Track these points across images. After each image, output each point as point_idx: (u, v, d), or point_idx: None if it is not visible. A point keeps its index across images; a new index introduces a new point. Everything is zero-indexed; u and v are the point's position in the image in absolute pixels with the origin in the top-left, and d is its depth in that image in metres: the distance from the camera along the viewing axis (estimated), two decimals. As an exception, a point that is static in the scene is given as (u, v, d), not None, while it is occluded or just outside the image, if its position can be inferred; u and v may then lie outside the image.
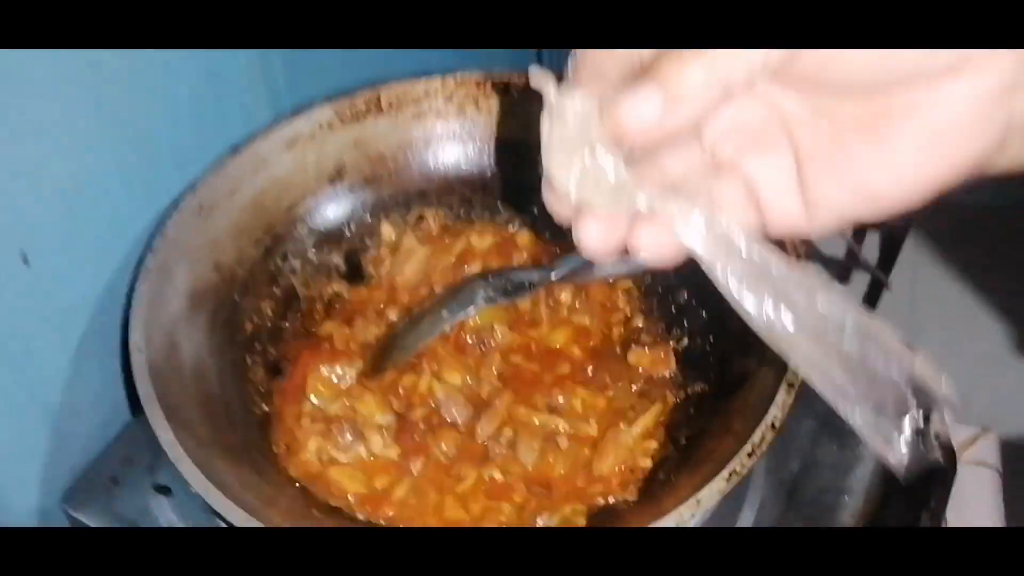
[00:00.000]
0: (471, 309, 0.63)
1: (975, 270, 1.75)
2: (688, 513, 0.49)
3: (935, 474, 0.69)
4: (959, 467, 0.70)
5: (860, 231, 1.50)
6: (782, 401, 0.53)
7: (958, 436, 0.81)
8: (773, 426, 0.53)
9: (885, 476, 0.65)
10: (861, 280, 1.41)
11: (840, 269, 1.58)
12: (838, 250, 1.67)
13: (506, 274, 0.64)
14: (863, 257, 1.50)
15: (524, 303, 0.69)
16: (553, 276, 0.63)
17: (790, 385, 0.54)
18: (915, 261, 1.72)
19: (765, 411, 0.53)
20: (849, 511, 0.62)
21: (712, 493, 0.50)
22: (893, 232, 1.35)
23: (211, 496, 0.50)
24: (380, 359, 0.64)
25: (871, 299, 1.37)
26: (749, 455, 0.51)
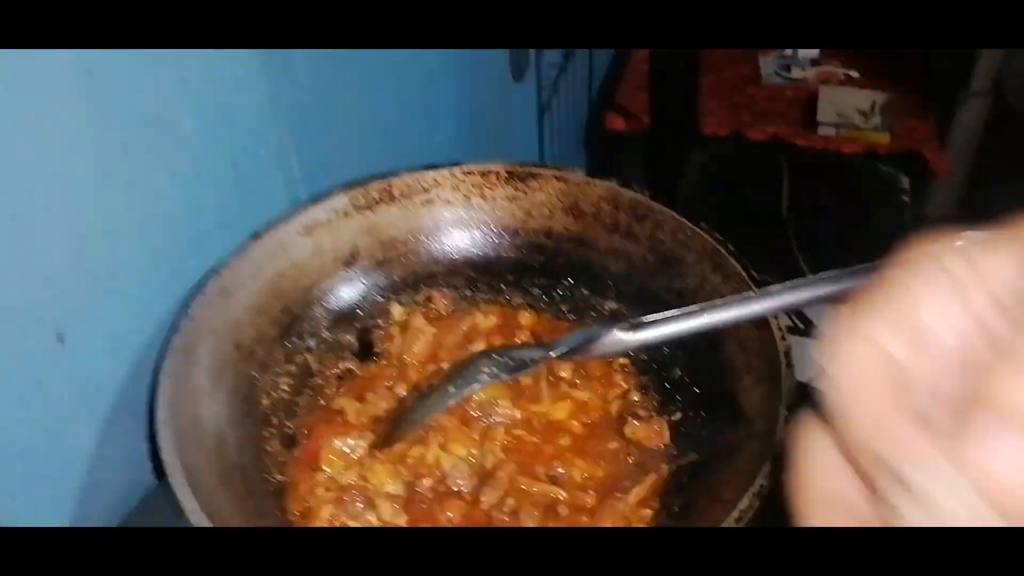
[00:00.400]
0: (476, 385, 0.66)
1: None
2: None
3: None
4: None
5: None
6: (768, 471, 0.57)
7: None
8: (759, 494, 0.56)
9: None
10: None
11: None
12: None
13: (509, 352, 0.68)
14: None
15: (526, 379, 0.73)
16: (553, 354, 0.67)
17: (776, 456, 0.57)
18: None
19: (752, 480, 0.56)
20: None
21: (702, 557, 0.53)
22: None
23: (230, 560, 0.53)
24: (390, 432, 0.67)
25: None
26: (736, 521, 0.54)
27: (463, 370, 0.67)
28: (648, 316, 0.64)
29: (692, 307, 0.64)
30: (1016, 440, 0.20)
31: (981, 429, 0.21)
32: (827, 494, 0.24)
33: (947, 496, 0.21)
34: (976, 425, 0.21)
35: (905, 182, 1.59)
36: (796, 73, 1.88)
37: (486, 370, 0.66)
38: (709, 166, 1.66)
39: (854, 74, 1.86)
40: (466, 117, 1.27)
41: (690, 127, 1.68)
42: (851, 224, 1.52)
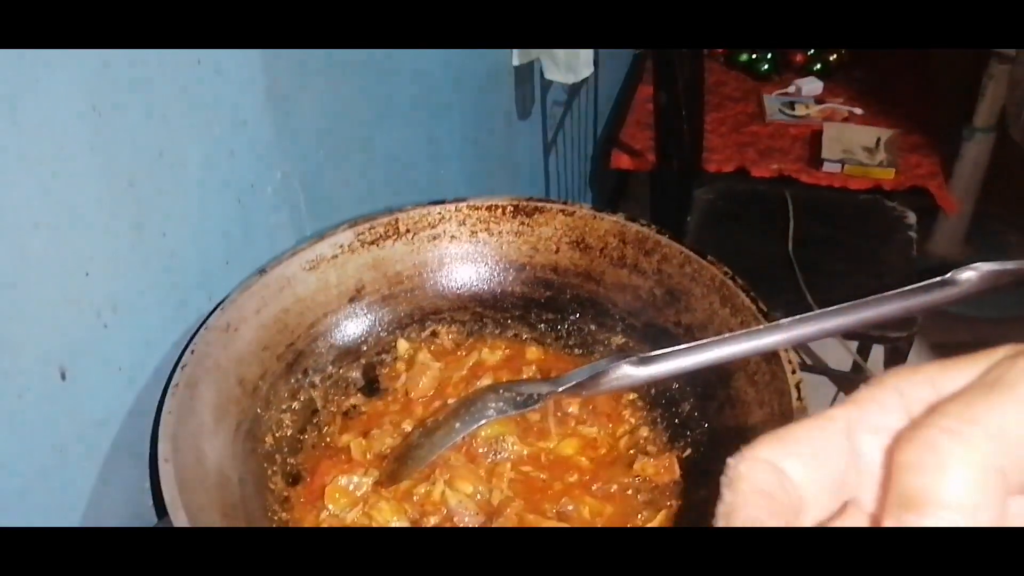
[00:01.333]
0: (483, 420, 0.65)
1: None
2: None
3: None
4: None
5: (865, 344, 1.53)
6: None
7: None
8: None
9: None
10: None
11: (845, 381, 1.61)
12: (844, 363, 1.70)
13: (516, 387, 0.67)
14: (868, 369, 1.52)
15: (533, 415, 0.72)
16: (561, 389, 0.66)
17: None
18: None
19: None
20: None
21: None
22: (898, 344, 1.38)
23: (232, 599, 0.52)
24: (396, 469, 0.67)
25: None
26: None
27: (469, 405, 0.66)
28: (657, 351, 0.63)
29: (701, 341, 0.64)
30: None
31: None
32: None
33: None
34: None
35: (912, 217, 1.58)
36: (800, 110, 1.89)
37: (493, 405, 0.65)
38: (715, 203, 1.66)
39: (858, 111, 1.87)
40: (471, 155, 1.27)
41: (695, 165, 1.69)
42: (858, 260, 1.52)
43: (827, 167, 1.73)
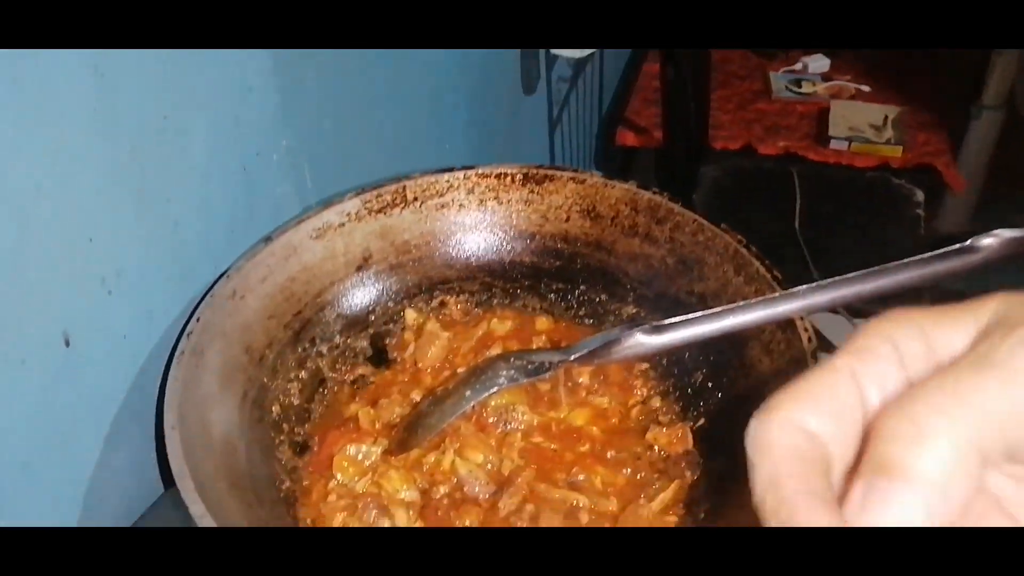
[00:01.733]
0: (493, 389, 0.64)
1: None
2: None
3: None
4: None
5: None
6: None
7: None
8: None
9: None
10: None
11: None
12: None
13: (527, 355, 0.66)
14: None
15: (544, 386, 0.71)
16: (572, 357, 0.65)
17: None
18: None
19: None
20: None
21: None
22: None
23: (241, 567, 0.51)
24: (405, 438, 0.66)
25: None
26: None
27: (480, 374, 0.65)
28: (670, 319, 0.62)
29: (715, 309, 0.63)
30: (894, 499, 0.23)
31: (865, 494, 0.24)
32: None
33: None
34: (860, 491, 0.24)
35: (919, 196, 1.57)
36: (807, 88, 1.87)
37: (504, 373, 0.64)
38: (721, 181, 1.65)
39: (865, 88, 1.85)
40: (476, 131, 1.26)
41: (701, 142, 1.67)
42: (865, 238, 1.51)
43: (834, 145, 1.72)
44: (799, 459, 0.25)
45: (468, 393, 0.65)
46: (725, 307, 0.64)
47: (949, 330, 0.26)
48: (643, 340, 0.62)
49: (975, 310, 0.26)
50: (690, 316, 0.62)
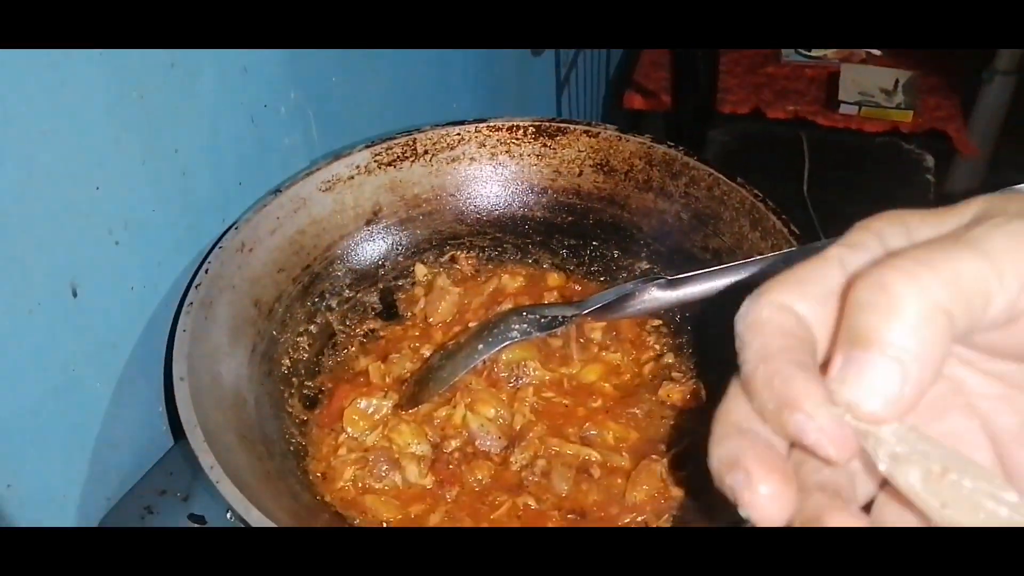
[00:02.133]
0: (506, 342, 0.64)
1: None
2: (725, 535, 0.49)
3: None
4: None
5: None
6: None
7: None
8: (807, 452, 0.53)
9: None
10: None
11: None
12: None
13: (539, 309, 0.65)
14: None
15: (556, 342, 0.70)
16: (585, 311, 0.64)
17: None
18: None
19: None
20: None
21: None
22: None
23: (251, 516, 0.51)
24: (416, 392, 0.65)
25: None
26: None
27: (492, 328, 0.65)
28: (686, 273, 0.62)
29: (732, 263, 0.62)
30: (870, 370, 0.24)
31: (843, 366, 0.25)
32: (736, 424, 0.27)
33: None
34: (839, 363, 0.25)
35: (929, 161, 1.55)
36: (816, 51, 1.85)
37: (516, 327, 0.64)
38: (729, 145, 1.63)
39: (876, 52, 1.83)
40: (483, 92, 1.24)
41: (709, 106, 1.65)
42: (874, 203, 1.47)
43: (844, 109, 1.69)
44: (788, 336, 0.26)
45: (480, 347, 0.64)
46: (742, 261, 0.63)
47: (933, 226, 0.26)
48: (658, 294, 0.62)
49: (959, 211, 0.26)
50: (706, 270, 0.61)
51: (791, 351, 0.25)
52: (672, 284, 0.61)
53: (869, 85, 1.72)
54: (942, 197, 1.62)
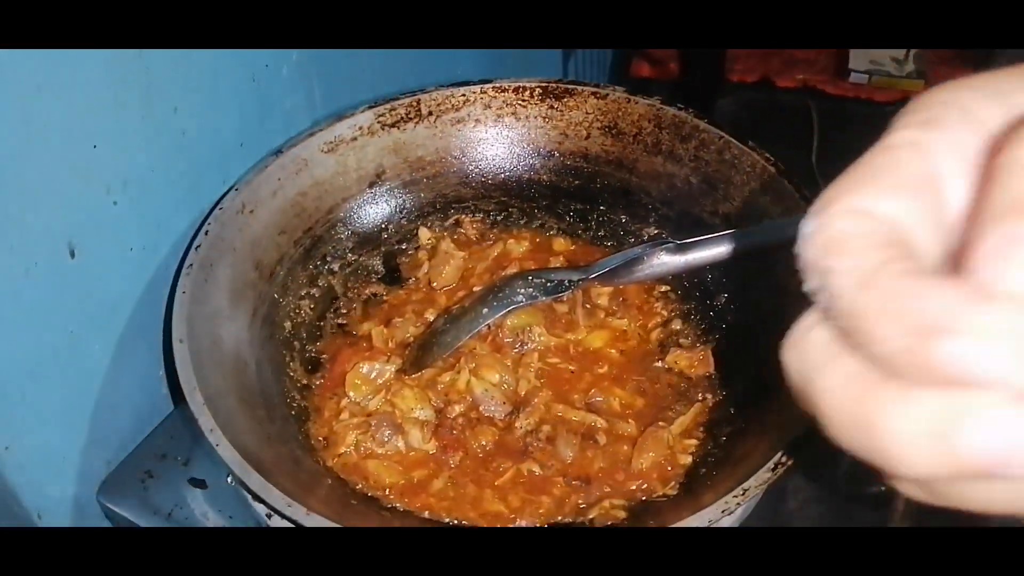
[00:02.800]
0: (511, 306, 0.63)
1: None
2: (734, 503, 0.48)
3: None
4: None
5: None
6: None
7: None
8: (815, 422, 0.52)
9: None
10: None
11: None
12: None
13: (545, 273, 0.64)
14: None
15: (561, 307, 0.69)
16: (592, 275, 0.63)
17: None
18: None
19: (808, 406, 0.53)
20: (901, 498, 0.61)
21: (759, 483, 0.49)
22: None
23: (251, 479, 0.50)
24: (420, 356, 0.64)
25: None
26: (795, 447, 0.51)
27: (497, 291, 0.64)
28: (696, 237, 0.60)
29: (744, 229, 0.61)
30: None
31: (998, 245, 0.18)
32: (821, 358, 0.21)
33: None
34: (991, 242, 0.18)
35: (940, 131, 1.53)
36: (827, 20, 1.82)
37: (522, 291, 0.63)
38: (737, 114, 1.61)
39: (887, 21, 1.80)
40: (488, 55, 1.22)
41: (718, 74, 1.63)
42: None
43: (854, 78, 1.67)
44: (886, 244, 0.20)
45: (485, 311, 0.63)
46: (755, 226, 0.62)
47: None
48: (667, 259, 0.60)
49: None
50: (716, 235, 0.60)
51: (895, 262, 0.19)
52: (681, 248, 0.60)
53: (879, 54, 1.70)
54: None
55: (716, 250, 0.59)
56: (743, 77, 1.71)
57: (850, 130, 1.59)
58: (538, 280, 0.63)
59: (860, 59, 1.69)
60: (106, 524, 0.66)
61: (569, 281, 0.62)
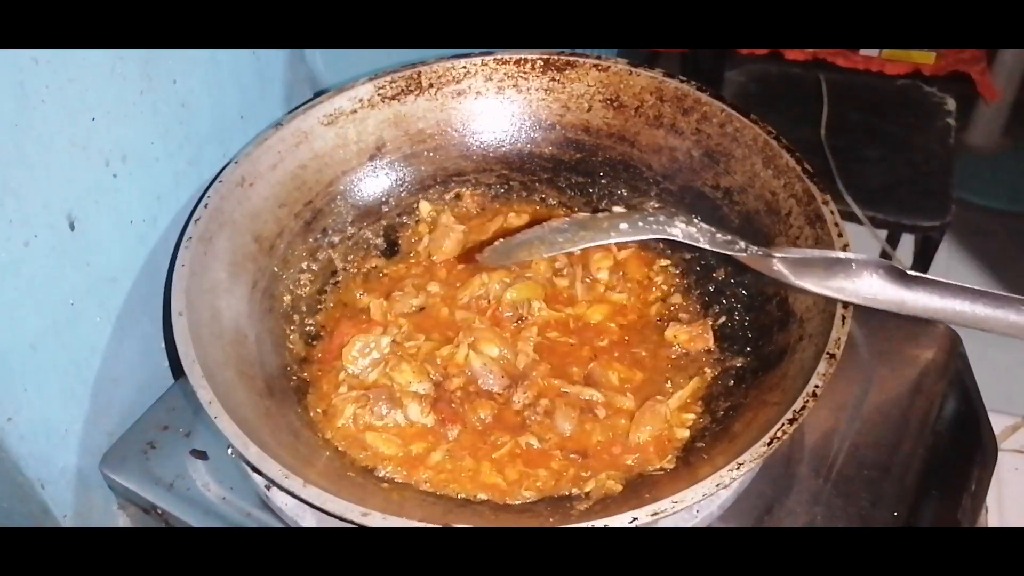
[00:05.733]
0: (658, 235, 0.56)
1: (1010, 266, 1.72)
2: (729, 476, 0.49)
3: (976, 458, 0.68)
4: (999, 454, 0.70)
5: (895, 233, 1.49)
6: (823, 371, 0.53)
7: (999, 424, 0.80)
8: (814, 394, 0.52)
9: (927, 458, 0.64)
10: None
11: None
12: (873, 252, 1.66)
13: (709, 226, 0.57)
14: (897, 259, 1.48)
15: (562, 282, 0.69)
16: (777, 255, 0.57)
17: (831, 356, 0.53)
18: (950, 260, 1.69)
19: (806, 381, 0.53)
20: (892, 490, 0.61)
21: (754, 457, 0.49)
22: (929, 234, 1.33)
23: (250, 452, 0.50)
24: (512, 248, 0.57)
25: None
26: (791, 422, 0.51)
27: (648, 214, 0.56)
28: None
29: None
30: None
31: None
32: None
33: None
34: None
35: (951, 104, 1.52)
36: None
37: (681, 226, 0.55)
38: (746, 86, 1.60)
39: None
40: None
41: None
42: (893, 147, 1.46)
43: (864, 51, 1.66)
44: None
45: (623, 226, 0.55)
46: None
47: None
48: (881, 285, 0.55)
49: None
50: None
51: None
52: (902, 278, 0.55)
53: (891, 25, 1.68)
54: (962, 143, 1.59)
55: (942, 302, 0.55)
56: (752, 50, 1.70)
57: (860, 103, 1.58)
58: (705, 226, 0.56)
59: (871, 31, 1.67)
60: (109, 494, 0.66)
61: (747, 246, 0.57)
